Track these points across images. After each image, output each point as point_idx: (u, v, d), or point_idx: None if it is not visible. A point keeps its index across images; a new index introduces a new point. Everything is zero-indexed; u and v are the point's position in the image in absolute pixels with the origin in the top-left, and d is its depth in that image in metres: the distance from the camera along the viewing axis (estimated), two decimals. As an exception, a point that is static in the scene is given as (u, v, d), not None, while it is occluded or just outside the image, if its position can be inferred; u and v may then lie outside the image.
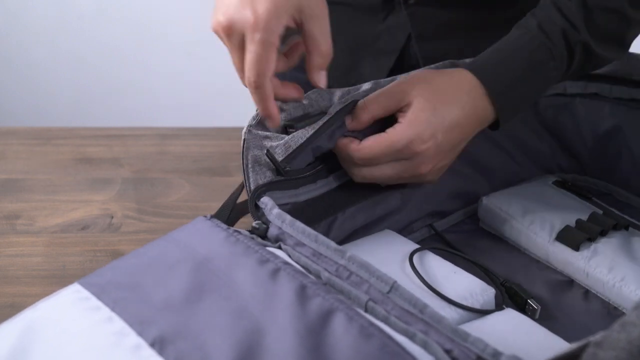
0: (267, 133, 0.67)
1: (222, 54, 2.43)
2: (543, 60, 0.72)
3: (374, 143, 0.69)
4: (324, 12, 0.65)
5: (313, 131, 0.68)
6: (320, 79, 0.66)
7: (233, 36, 0.64)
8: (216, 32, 0.66)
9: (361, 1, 0.94)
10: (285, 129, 0.68)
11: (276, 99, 0.65)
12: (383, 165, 0.70)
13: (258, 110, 0.65)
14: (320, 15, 0.65)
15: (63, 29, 2.27)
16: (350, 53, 0.96)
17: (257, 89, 0.62)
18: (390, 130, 0.69)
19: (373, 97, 0.71)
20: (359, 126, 0.70)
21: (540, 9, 0.74)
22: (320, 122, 0.68)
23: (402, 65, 0.94)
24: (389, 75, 0.76)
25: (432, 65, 0.76)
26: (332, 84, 0.73)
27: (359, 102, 0.71)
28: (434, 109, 0.69)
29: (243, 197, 0.70)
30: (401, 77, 0.72)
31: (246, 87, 0.64)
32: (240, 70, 0.64)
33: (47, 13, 2.25)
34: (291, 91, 0.66)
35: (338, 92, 0.72)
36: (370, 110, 0.70)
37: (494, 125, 0.73)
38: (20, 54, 2.31)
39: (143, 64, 2.30)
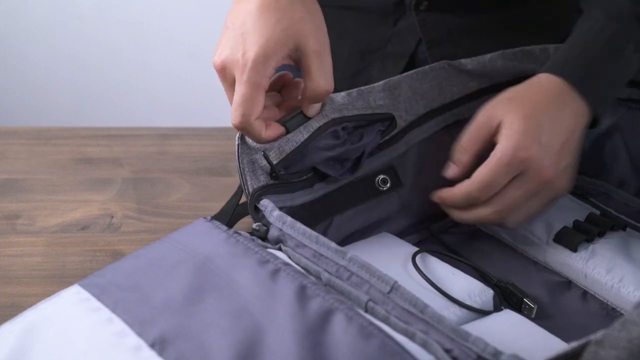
0: None
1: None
2: (620, 46, 0.72)
3: (482, 168, 0.68)
4: (323, 48, 0.66)
5: (308, 135, 0.67)
6: (309, 110, 0.68)
7: (226, 76, 0.66)
8: (215, 70, 0.67)
9: (372, 6, 0.94)
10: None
11: (259, 142, 0.66)
12: (507, 189, 0.69)
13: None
14: (320, 51, 0.66)
15: (63, 29, 2.27)
16: (360, 57, 0.96)
17: (243, 130, 0.64)
18: (492, 152, 0.69)
19: (465, 136, 0.71)
20: (463, 169, 0.71)
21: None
22: (316, 124, 0.68)
23: (412, 67, 0.94)
24: (405, 71, 0.76)
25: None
26: (342, 86, 0.73)
27: (456, 147, 0.71)
28: (526, 117, 0.69)
29: (243, 198, 0.70)
30: (485, 106, 0.72)
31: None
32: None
33: (47, 13, 2.25)
34: (275, 131, 0.66)
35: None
36: (467, 149, 0.71)
37: (594, 123, 0.73)
38: (20, 54, 2.31)
39: (143, 64, 2.30)
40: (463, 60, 0.77)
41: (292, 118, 0.68)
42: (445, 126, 0.78)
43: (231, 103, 0.65)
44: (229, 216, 0.68)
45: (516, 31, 0.90)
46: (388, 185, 0.74)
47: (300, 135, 0.67)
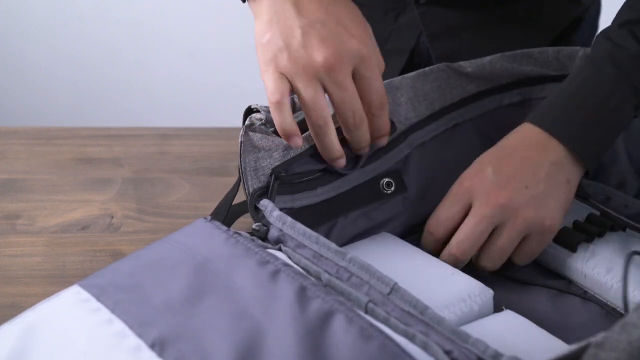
0: (262, 136, 0.67)
1: (222, 54, 2.42)
2: (591, 88, 0.70)
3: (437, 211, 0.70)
4: (375, 65, 0.68)
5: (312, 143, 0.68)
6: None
7: (340, 72, 0.64)
8: (304, 70, 0.64)
9: (372, 2, 0.94)
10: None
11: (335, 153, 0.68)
12: (466, 222, 0.68)
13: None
14: (371, 66, 0.68)
15: (63, 29, 2.27)
16: None
17: (385, 114, 0.68)
18: None
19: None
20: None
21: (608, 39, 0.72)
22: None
23: (412, 64, 0.94)
24: (400, 74, 0.76)
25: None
26: None
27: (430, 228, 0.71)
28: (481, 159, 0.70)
29: (240, 197, 0.70)
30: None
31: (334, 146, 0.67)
32: (348, 110, 0.65)
33: (47, 13, 2.25)
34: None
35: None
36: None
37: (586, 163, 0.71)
38: (20, 54, 2.31)
39: (143, 64, 2.30)
40: (462, 63, 0.77)
41: (300, 122, 0.68)
42: (444, 130, 0.78)
43: (343, 104, 0.65)
44: (225, 213, 0.68)
45: (516, 25, 0.90)
46: (393, 188, 0.74)
47: (305, 142, 0.67)
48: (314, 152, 0.68)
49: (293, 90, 0.65)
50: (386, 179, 0.74)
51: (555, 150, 0.69)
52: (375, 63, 0.66)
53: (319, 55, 0.63)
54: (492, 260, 0.68)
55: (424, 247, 0.71)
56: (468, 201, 0.68)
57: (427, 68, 0.76)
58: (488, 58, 0.78)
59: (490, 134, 0.80)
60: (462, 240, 0.67)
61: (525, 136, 0.71)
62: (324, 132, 0.65)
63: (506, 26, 0.91)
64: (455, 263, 0.68)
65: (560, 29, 0.95)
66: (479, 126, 0.80)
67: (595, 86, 0.70)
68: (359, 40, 0.64)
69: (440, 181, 0.77)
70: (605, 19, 1.03)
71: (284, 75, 0.64)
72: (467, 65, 0.77)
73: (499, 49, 0.79)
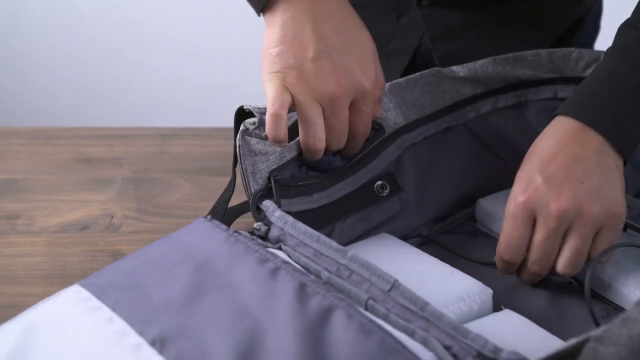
0: (258, 140, 0.67)
1: (222, 54, 2.41)
2: (625, 75, 0.69)
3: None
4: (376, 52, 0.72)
5: None
6: (380, 110, 0.73)
7: (343, 102, 0.67)
8: (331, 98, 0.67)
9: (374, 3, 0.94)
10: None
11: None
12: (532, 239, 0.66)
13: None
14: (377, 55, 0.71)
15: (63, 29, 2.27)
16: None
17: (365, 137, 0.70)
18: None
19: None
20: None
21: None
22: None
23: (415, 65, 0.94)
24: (402, 75, 0.76)
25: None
26: None
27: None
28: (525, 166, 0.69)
29: (237, 197, 0.70)
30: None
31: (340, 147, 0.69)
32: (342, 131, 0.68)
33: (47, 13, 2.25)
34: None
35: None
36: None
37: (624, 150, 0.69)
38: (20, 54, 2.31)
39: (143, 64, 2.30)
40: (454, 68, 0.77)
41: (293, 125, 0.68)
42: (435, 132, 0.78)
43: (342, 125, 0.68)
44: (222, 212, 0.68)
45: (518, 26, 0.90)
46: (387, 190, 0.74)
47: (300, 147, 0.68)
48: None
49: (292, 105, 0.66)
50: (379, 182, 0.74)
51: (595, 139, 0.67)
52: (372, 98, 0.69)
53: (327, 85, 0.66)
54: (573, 264, 0.66)
55: (501, 271, 0.69)
56: (530, 217, 0.66)
57: (417, 74, 0.76)
58: (479, 62, 0.78)
59: (484, 137, 0.80)
60: (539, 258, 0.66)
61: (561, 131, 0.69)
62: (315, 151, 0.68)
63: (508, 26, 0.91)
64: (536, 278, 0.68)
65: (563, 29, 0.95)
66: (473, 129, 0.80)
67: (625, 74, 0.69)
68: (366, 75, 0.67)
69: (436, 181, 0.77)
70: (607, 19, 1.03)
71: (287, 89, 0.66)
72: (460, 70, 0.77)
73: (501, 49, 0.79)
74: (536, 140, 0.70)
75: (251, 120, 0.67)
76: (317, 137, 0.66)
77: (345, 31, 0.69)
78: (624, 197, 0.67)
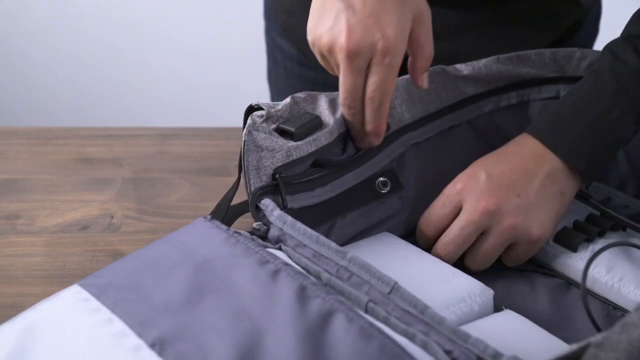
0: (267, 136, 0.67)
1: (222, 54, 2.42)
2: (587, 100, 0.71)
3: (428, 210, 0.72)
4: (429, 18, 0.70)
5: (315, 148, 0.68)
6: (424, 80, 0.70)
7: (357, 60, 0.65)
8: (329, 51, 0.67)
9: None
10: (282, 132, 0.68)
11: (381, 125, 0.69)
12: (454, 225, 0.69)
13: (355, 127, 0.69)
14: (428, 21, 0.69)
15: (63, 29, 2.27)
16: None
17: (380, 107, 0.67)
18: None
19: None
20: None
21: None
22: (323, 140, 0.69)
23: None
24: (402, 74, 0.76)
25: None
26: None
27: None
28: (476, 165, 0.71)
29: (240, 197, 0.70)
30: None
31: (346, 110, 0.68)
32: (351, 91, 0.66)
33: (47, 13, 2.25)
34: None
35: (323, 98, 0.72)
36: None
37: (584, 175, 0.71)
38: (20, 54, 2.31)
39: (143, 64, 2.30)
40: (458, 66, 0.77)
41: (303, 125, 0.68)
42: (439, 131, 0.78)
43: (348, 86, 0.66)
44: (224, 211, 0.68)
45: (517, 26, 0.90)
46: (388, 187, 0.74)
47: (309, 147, 0.68)
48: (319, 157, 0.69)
49: None
50: (381, 179, 0.74)
51: (551, 161, 0.70)
52: (390, 60, 0.65)
53: (340, 41, 0.65)
54: (477, 263, 0.70)
55: (418, 244, 0.72)
56: (459, 204, 0.69)
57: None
58: (483, 61, 0.78)
59: (487, 135, 0.80)
60: (448, 242, 0.69)
61: (523, 146, 0.71)
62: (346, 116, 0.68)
63: (507, 27, 0.91)
64: (444, 260, 0.70)
65: (562, 30, 0.95)
66: (475, 128, 0.80)
67: (595, 99, 0.71)
68: (382, 36, 0.64)
69: (438, 181, 0.77)
70: (606, 21, 1.03)
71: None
72: (463, 69, 0.77)
73: (499, 49, 0.79)
74: (502, 145, 0.73)
75: (259, 113, 0.68)
76: (341, 99, 0.67)
77: None
78: (554, 225, 0.70)
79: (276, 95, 1.10)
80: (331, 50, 0.66)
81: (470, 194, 0.69)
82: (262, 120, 0.67)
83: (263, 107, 0.68)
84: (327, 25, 0.66)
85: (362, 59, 0.65)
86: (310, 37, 0.68)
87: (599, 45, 0.98)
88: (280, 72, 1.06)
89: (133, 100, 2.34)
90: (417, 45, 0.69)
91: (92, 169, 0.93)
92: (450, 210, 0.70)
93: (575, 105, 0.71)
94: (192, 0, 2.22)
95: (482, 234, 0.69)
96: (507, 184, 0.69)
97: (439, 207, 0.71)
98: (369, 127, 0.69)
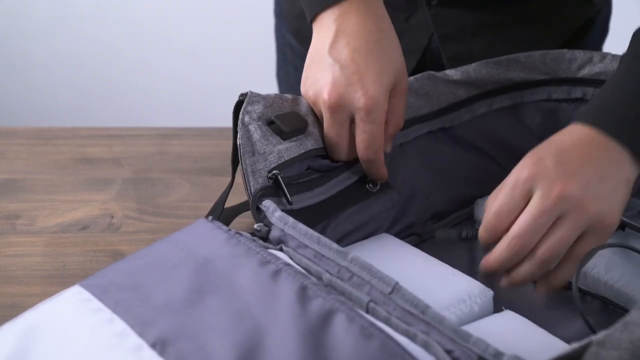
0: (260, 137, 0.67)
1: (222, 54, 2.41)
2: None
3: (494, 203, 0.65)
4: (406, 89, 0.73)
5: (305, 150, 0.70)
6: (389, 146, 0.73)
7: (339, 113, 0.69)
8: (313, 103, 0.72)
9: (384, 3, 0.94)
10: (271, 123, 0.70)
11: (384, 173, 0.73)
12: (526, 213, 0.63)
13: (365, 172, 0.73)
14: (404, 92, 0.72)
15: (63, 29, 2.27)
16: None
17: (375, 162, 0.71)
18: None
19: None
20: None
21: None
22: (309, 145, 0.70)
23: (424, 65, 0.94)
24: (410, 75, 0.76)
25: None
26: None
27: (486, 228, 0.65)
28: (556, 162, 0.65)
29: (239, 197, 0.70)
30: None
31: (343, 159, 0.72)
32: (335, 143, 0.71)
33: (47, 13, 2.25)
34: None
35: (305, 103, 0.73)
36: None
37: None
38: (20, 54, 2.31)
39: (143, 64, 2.30)
40: (448, 71, 0.77)
41: (293, 126, 0.70)
42: (428, 132, 0.78)
43: (333, 138, 0.70)
44: (220, 209, 0.68)
45: (528, 26, 0.90)
46: (377, 187, 0.75)
47: (298, 149, 0.69)
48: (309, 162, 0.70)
49: None
50: (370, 178, 0.75)
51: (615, 149, 0.66)
52: (375, 116, 0.69)
53: (323, 95, 0.69)
54: (551, 252, 0.63)
55: (481, 244, 0.67)
56: (529, 192, 0.63)
57: (411, 77, 0.76)
58: (473, 65, 0.78)
59: (479, 138, 0.80)
60: (522, 233, 0.62)
61: (580, 136, 0.67)
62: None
63: (518, 27, 0.91)
64: (510, 259, 0.64)
65: (573, 30, 0.95)
66: (468, 130, 0.80)
67: None
68: (364, 93, 0.68)
69: (429, 180, 0.77)
70: (616, 20, 1.03)
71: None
72: (453, 74, 0.77)
73: (513, 49, 0.79)
74: (553, 136, 0.68)
75: (251, 112, 0.69)
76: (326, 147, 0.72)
77: (361, 53, 0.70)
78: (621, 212, 0.66)
79: (286, 92, 1.10)
80: (315, 102, 0.71)
81: (543, 179, 0.63)
82: (254, 120, 0.68)
83: (259, 100, 0.69)
84: (314, 78, 0.70)
85: (343, 112, 0.69)
86: (302, 89, 0.73)
87: (609, 44, 0.99)
88: (289, 69, 1.07)
89: (133, 100, 2.34)
90: (391, 113, 0.71)
91: (92, 169, 0.93)
92: (521, 199, 0.63)
93: (627, 90, 0.68)
94: (192, 0, 2.22)
95: (554, 224, 0.63)
96: (577, 169, 0.64)
97: (507, 199, 0.64)
98: (371, 176, 0.73)
